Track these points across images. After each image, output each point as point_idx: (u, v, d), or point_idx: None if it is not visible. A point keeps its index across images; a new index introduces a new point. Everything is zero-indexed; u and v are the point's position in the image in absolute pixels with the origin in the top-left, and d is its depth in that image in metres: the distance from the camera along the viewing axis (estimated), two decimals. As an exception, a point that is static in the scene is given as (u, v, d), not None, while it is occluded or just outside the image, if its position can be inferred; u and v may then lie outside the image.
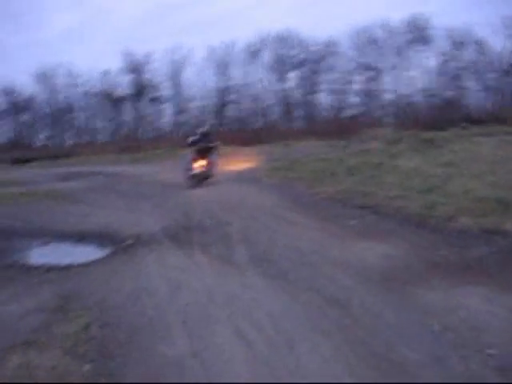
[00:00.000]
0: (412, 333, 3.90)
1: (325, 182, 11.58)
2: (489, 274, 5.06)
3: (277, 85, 53.32)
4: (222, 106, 52.60)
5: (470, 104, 47.60)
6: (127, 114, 54.61)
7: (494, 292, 4.53)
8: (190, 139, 14.71)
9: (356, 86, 52.86)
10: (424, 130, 26.22)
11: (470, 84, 49.02)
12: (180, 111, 53.50)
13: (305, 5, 67.21)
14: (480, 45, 47.53)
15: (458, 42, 48.08)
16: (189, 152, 14.35)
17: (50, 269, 6.36)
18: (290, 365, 3.50)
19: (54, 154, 35.66)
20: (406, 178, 10.30)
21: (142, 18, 67.18)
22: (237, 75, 52.60)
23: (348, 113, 51.99)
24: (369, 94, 52.38)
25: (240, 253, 6.58)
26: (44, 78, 51.64)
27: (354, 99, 53.03)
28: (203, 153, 14.04)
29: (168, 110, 53.83)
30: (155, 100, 53.54)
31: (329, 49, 51.44)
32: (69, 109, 53.83)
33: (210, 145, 14.31)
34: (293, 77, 53.41)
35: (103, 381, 3.36)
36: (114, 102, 53.19)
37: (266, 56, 52.63)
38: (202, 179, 13.83)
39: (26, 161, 32.21)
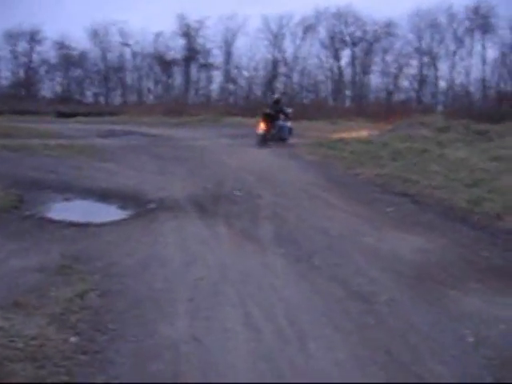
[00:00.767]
0: (443, 343, 3.42)
1: (366, 164, 11.02)
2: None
3: (329, 62, 52.33)
4: (272, 78, 51.90)
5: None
6: (177, 77, 54.51)
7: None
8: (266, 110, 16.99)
9: (410, 71, 51.52)
10: (476, 122, 25.25)
11: (529, 78, 47.22)
12: (229, 79, 53.07)
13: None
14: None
15: (521, 34, 46.16)
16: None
17: (66, 226, 6.09)
18: (298, 364, 3.08)
19: (101, 111, 35.83)
20: (451, 169, 9.68)
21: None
22: (290, 49, 51.66)
23: (399, 97, 50.82)
24: (422, 80, 51.00)
25: (265, 229, 6.17)
26: (96, 34, 51.64)
27: (406, 83, 51.76)
28: (267, 118, 16.25)
29: (217, 77, 53.39)
30: (206, 66, 53.19)
31: (387, 29, 50.06)
32: (119, 68, 53.92)
33: (270, 112, 16.60)
34: (346, 55, 52.30)
35: (84, 358, 3.00)
36: (165, 64, 53.00)
37: (322, 31, 51.47)
38: (265, 140, 15.87)
39: (72, 115, 32.31)
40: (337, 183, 9.43)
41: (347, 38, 51.54)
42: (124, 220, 6.58)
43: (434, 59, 50.39)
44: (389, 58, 51.27)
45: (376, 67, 52.12)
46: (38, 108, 35.07)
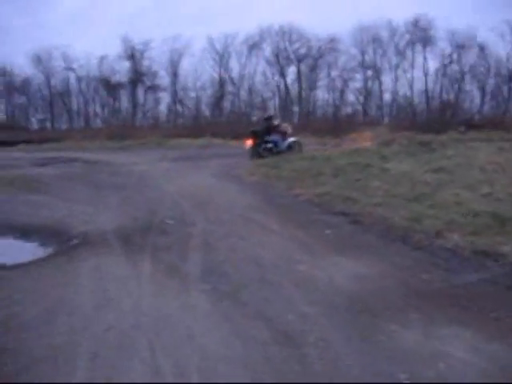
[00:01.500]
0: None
1: (307, 182, 10.70)
2: (479, 309, 4.17)
3: (276, 79, 52.59)
4: (219, 97, 51.76)
5: (468, 108, 47.08)
6: (123, 100, 53.80)
7: (483, 337, 3.65)
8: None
9: (355, 85, 52.32)
10: (421, 133, 25.49)
11: (470, 88, 48.48)
12: (177, 101, 52.67)
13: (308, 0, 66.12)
14: (482, 49, 46.96)
15: (460, 45, 47.49)
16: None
17: (-31, 269, 5.50)
18: None
19: (45, 138, 34.76)
20: (393, 183, 9.44)
21: (143, 6, 66.06)
22: (236, 67, 51.74)
23: (345, 111, 51.39)
24: (368, 93, 51.78)
25: (194, 262, 5.70)
26: (39, 60, 50.60)
27: (352, 97, 52.46)
28: (253, 134, 18.13)
29: (165, 99, 52.95)
30: (152, 88, 52.73)
31: (330, 45, 50.84)
32: (64, 93, 52.92)
33: (256, 129, 18.75)
34: (292, 71, 52.72)
35: None
36: (111, 88, 52.33)
37: (266, 49, 51.80)
38: (254, 154, 17.53)
39: (14, 143, 31.22)
40: (275, 205, 9.04)
41: (292, 55, 52.06)
42: (41, 260, 6.00)
43: (377, 73, 51.40)
44: (334, 73, 52.11)
45: (322, 82, 52.81)
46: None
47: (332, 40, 50.15)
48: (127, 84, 51.91)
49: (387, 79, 50.99)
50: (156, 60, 50.78)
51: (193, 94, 51.99)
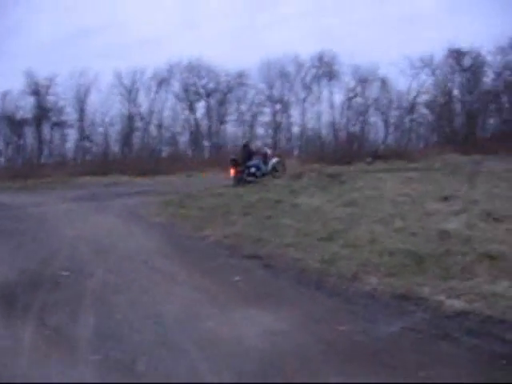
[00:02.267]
0: None
1: (216, 222, 10.15)
2: (405, 367, 3.72)
3: (185, 113, 52.13)
4: (128, 133, 50.57)
5: (374, 139, 48.56)
6: (28, 138, 51.38)
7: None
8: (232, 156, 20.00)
9: (264, 118, 52.70)
10: (330, 164, 25.74)
11: (375, 120, 50.05)
12: (84, 137, 50.94)
13: (216, 35, 66.60)
14: (384, 83, 48.71)
15: (363, 79, 49.03)
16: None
17: None
18: None
19: None
20: (304, 221, 9.06)
21: (48, 40, 64.05)
22: (145, 103, 50.78)
23: (255, 145, 51.51)
24: (277, 127, 52.28)
25: (86, 324, 4.95)
26: None
27: (261, 131, 52.79)
28: (233, 163, 18.85)
29: (72, 135, 50.98)
30: (59, 125, 50.71)
31: (239, 80, 51.01)
32: (-36, 130, 49.91)
33: (235, 157, 19.45)
34: (202, 106, 52.46)
35: None
36: (15, 125, 49.77)
37: (175, 84, 51.34)
38: (239, 181, 18.10)
39: None
40: (182, 249, 8.42)
41: (201, 90, 51.79)
42: None
43: (285, 106, 51.97)
44: (243, 107, 52.14)
45: (231, 117, 52.79)
46: None
47: (240, 75, 50.40)
48: (32, 120, 49.67)
49: (295, 112, 51.69)
50: (62, 95, 48.89)
51: (101, 130, 50.45)
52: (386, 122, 49.46)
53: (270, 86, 51.83)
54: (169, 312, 5.25)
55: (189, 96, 51.72)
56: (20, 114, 49.07)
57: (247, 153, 19.28)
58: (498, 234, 6.95)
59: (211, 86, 51.62)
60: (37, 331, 4.81)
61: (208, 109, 52.25)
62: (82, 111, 49.71)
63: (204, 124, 52.55)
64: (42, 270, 7.22)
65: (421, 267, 5.77)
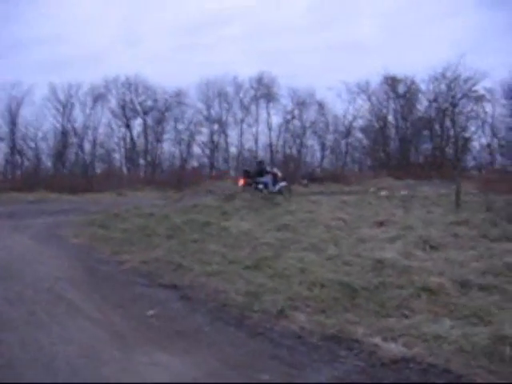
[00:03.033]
0: None
1: (137, 245, 9.34)
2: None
3: (121, 131, 50.89)
4: (62, 148, 48.75)
5: (310, 162, 48.76)
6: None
7: None
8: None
9: (202, 138, 52.16)
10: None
11: (311, 143, 50.33)
12: (16, 151, 48.71)
13: (156, 53, 65.77)
14: (321, 106, 49.16)
15: (301, 102, 49.32)
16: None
17: None
18: None
19: None
20: (232, 246, 8.41)
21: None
22: (80, 118, 49.12)
23: (192, 164, 50.90)
24: (214, 147, 51.80)
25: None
26: None
27: (198, 151, 52.23)
28: (246, 174, 20.05)
29: (2, 149, 48.59)
30: (-12, 138, 48.28)
31: (177, 98, 50.36)
32: None
33: (250, 170, 20.87)
34: (139, 123, 51.39)
35: None
36: None
37: (112, 100, 50.09)
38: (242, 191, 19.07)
39: None
40: (95, 276, 7.53)
41: (138, 107, 50.77)
42: None
43: (223, 127, 51.60)
44: (180, 126, 51.49)
45: (168, 135, 51.99)
46: None
47: (178, 93, 49.77)
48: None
49: (233, 133, 51.40)
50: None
51: (33, 145, 48.38)
52: (323, 145, 49.83)
53: (208, 106, 51.48)
54: (64, 355, 4.44)
55: (125, 113, 50.62)
56: None
57: (260, 169, 20.29)
58: (436, 265, 6.51)
59: (149, 103, 50.77)
60: None
61: (145, 127, 51.25)
62: (13, 124, 47.63)
63: (140, 142, 51.47)
64: None
65: (354, 302, 5.19)
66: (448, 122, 46.56)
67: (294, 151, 49.50)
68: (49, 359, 4.35)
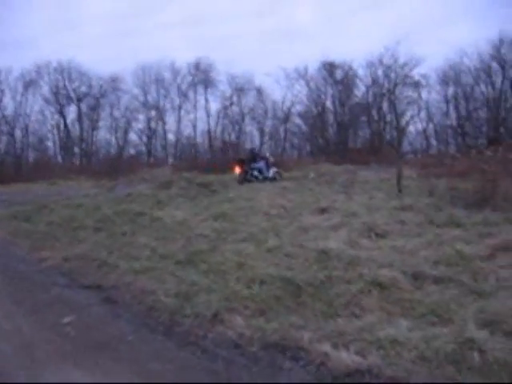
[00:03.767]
0: None
1: (61, 239, 8.50)
2: None
3: (55, 118, 48.90)
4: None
5: (248, 148, 48.24)
6: None
7: None
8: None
9: (138, 125, 50.88)
10: (204, 173, 24.66)
11: (250, 129, 49.88)
12: None
13: (92, 39, 63.53)
14: (260, 92, 48.72)
15: (239, 88, 48.73)
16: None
17: None
18: None
19: None
20: (164, 238, 7.71)
21: None
22: (10, 105, 46.71)
23: (129, 152, 49.62)
24: (152, 134, 50.63)
25: None
26: None
27: (136, 138, 50.96)
28: (240, 162, 20.66)
29: None
30: None
31: (113, 84, 48.81)
32: None
33: (242, 158, 21.56)
34: (73, 110, 49.52)
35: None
36: None
37: (44, 87, 47.94)
38: (243, 178, 19.53)
39: None
40: (10, 275, 6.68)
41: (72, 94, 48.91)
42: None
43: (161, 113, 50.47)
44: (117, 113, 50.05)
45: (104, 122, 50.46)
46: None
47: (114, 79, 48.21)
48: None
49: (171, 120, 50.31)
50: None
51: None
52: (262, 131, 49.46)
53: (145, 92, 50.23)
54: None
55: (59, 99, 48.67)
56: None
57: (253, 156, 21.17)
58: (384, 254, 6.03)
59: (83, 89, 49.01)
60: None
61: (79, 114, 49.48)
62: None
63: (75, 129, 49.69)
64: None
65: (298, 301, 4.62)
66: (385, 108, 46.99)
67: (233, 137, 48.90)
68: None
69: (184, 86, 50.26)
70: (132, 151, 50.87)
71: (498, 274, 4.99)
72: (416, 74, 45.05)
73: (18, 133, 47.05)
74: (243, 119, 49.77)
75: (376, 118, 47.59)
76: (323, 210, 9.83)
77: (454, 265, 5.40)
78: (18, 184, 27.24)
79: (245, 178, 19.71)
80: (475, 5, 60.66)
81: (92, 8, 64.64)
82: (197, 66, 49.24)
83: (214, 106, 51.03)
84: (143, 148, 51.55)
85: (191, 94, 50.43)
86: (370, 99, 47.79)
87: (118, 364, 3.79)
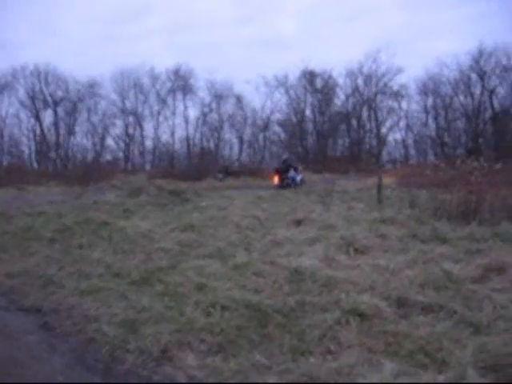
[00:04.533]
0: None
1: (11, 251, 7.68)
2: None
3: (31, 122, 47.93)
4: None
5: (228, 155, 47.84)
6: None
7: None
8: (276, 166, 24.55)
9: (116, 131, 50.18)
10: (180, 180, 24.11)
11: (229, 136, 49.39)
12: None
13: (73, 43, 62.78)
14: (239, 99, 48.36)
15: (219, 95, 48.32)
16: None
17: None
18: None
19: None
20: (122, 252, 6.97)
21: None
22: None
23: (106, 158, 48.91)
24: (129, 140, 49.92)
25: None
26: None
27: (113, 144, 50.26)
28: (278, 172, 22.91)
29: None
30: None
31: (90, 89, 48.10)
32: None
33: (280, 168, 23.43)
34: (49, 115, 48.60)
35: None
36: None
37: (21, 90, 47.05)
38: (279, 187, 21.66)
39: None
40: None
41: (48, 98, 48.04)
42: None
43: (139, 119, 49.86)
44: (94, 118, 49.39)
45: (81, 128, 49.71)
46: None
47: (92, 84, 47.48)
48: None
49: (149, 126, 49.66)
50: None
51: None
52: (241, 139, 49.00)
53: (123, 98, 49.59)
54: None
55: (35, 103, 47.78)
56: None
57: (286, 166, 23.63)
58: (365, 274, 5.38)
59: (60, 94, 48.17)
60: None
61: (56, 118, 48.59)
62: None
63: (51, 134, 48.77)
64: None
65: (265, 332, 3.91)
66: (365, 117, 46.87)
67: (212, 144, 48.39)
68: None
69: (163, 92, 49.82)
70: (109, 157, 50.11)
71: (494, 300, 4.35)
72: (395, 83, 45.07)
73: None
74: (222, 126, 49.40)
75: (355, 126, 47.42)
76: (299, 222, 9.23)
77: (443, 288, 4.76)
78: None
79: (281, 186, 21.95)
80: (455, 17, 61.13)
81: (72, 13, 64.00)
82: (176, 72, 48.83)
83: (193, 112, 50.66)
84: (120, 154, 50.82)
85: (170, 101, 50.02)
86: (350, 108, 47.69)
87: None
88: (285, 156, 29.07)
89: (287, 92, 48.37)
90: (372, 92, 46.33)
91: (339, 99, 48.72)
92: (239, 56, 63.67)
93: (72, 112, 48.90)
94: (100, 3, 66.27)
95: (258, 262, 5.95)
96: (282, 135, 49.52)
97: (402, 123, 46.82)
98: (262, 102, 48.62)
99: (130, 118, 50.09)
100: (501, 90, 42.51)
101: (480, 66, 42.00)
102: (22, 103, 47.41)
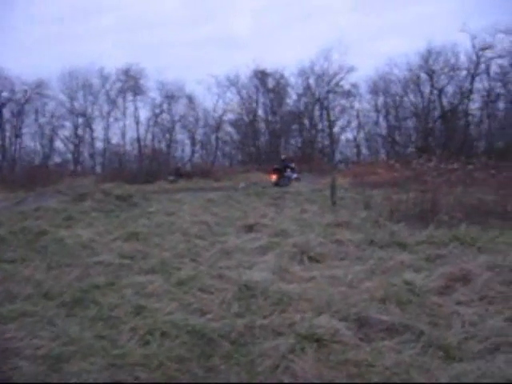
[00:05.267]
0: None
1: None
2: None
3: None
4: None
5: (180, 157, 47.13)
6: None
7: None
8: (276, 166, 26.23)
9: (65, 132, 48.71)
10: (130, 183, 23.44)
11: (181, 137, 48.65)
12: None
13: (19, 43, 60.69)
14: (191, 100, 47.70)
15: (170, 96, 47.53)
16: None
17: None
18: None
19: None
20: (57, 267, 6.32)
21: None
22: None
23: (54, 160, 47.52)
24: (79, 141, 48.59)
25: None
26: None
27: (62, 146, 48.81)
28: (276, 170, 25.13)
29: None
30: None
31: (38, 90, 46.45)
32: None
33: (279, 167, 25.72)
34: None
35: None
36: None
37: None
38: (276, 184, 23.35)
39: None
40: None
41: (-7, 99, 46.32)
42: None
43: (88, 120, 48.61)
44: (42, 119, 47.79)
45: (28, 129, 48.06)
46: None
47: (39, 85, 45.89)
48: None
49: (99, 127, 48.39)
50: None
51: None
52: (193, 140, 48.32)
53: (72, 98, 48.16)
54: None
55: (-22, 105, 46.01)
56: None
57: (284, 165, 25.85)
58: (320, 288, 4.95)
59: (5, 95, 46.42)
60: None
61: (1, 120, 46.88)
62: None
63: (-5, 136, 47.06)
64: None
65: (209, 365, 3.41)
66: (317, 116, 46.90)
67: (164, 146, 47.55)
68: None
69: (113, 93, 48.63)
70: (58, 160, 48.67)
71: (462, 316, 4.00)
72: (347, 83, 45.23)
73: None
74: (174, 127, 48.52)
75: (308, 126, 47.37)
76: (250, 228, 8.80)
77: (407, 303, 4.37)
78: None
79: (277, 183, 23.66)
80: (406, 18, 61.90)
81: (19, 12, 61.88)
82: (126, 72, 47.72)
83: (144, 113, 49.64)
84: (70, 156, 49.46)
85: (120, 101, 48.83)
86: (302, 107, 47.59)
87: None
88: (283, 157, 30.28)
89: (239, 92, 47.97)
90: (324, 91, 46.36)
91: (291, 99, 48.60)
92: (191, 56, 62.94)
93: (19, 113, 47.25)
94: (48, 2, 64.19)
95: (205, 276, 5.46)
96: (235, 135, 49.07)
97: (354, 122, 47.07)
98: (213, 103, 48.05)
99: (80, 120, 48.74)
100: (449, 89, 43.06)
101: (429, 66, 42.46)
102: (-37, 106, 45.65)
